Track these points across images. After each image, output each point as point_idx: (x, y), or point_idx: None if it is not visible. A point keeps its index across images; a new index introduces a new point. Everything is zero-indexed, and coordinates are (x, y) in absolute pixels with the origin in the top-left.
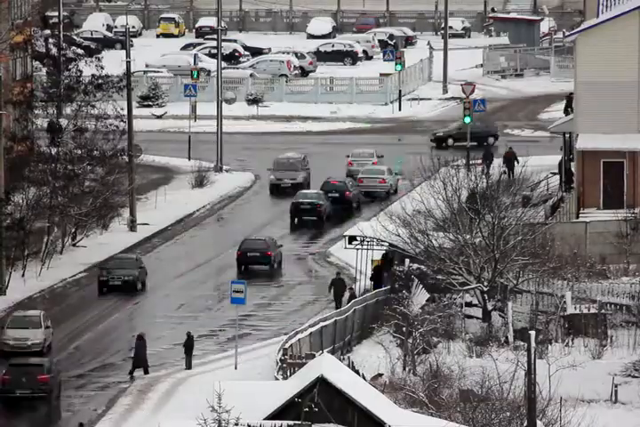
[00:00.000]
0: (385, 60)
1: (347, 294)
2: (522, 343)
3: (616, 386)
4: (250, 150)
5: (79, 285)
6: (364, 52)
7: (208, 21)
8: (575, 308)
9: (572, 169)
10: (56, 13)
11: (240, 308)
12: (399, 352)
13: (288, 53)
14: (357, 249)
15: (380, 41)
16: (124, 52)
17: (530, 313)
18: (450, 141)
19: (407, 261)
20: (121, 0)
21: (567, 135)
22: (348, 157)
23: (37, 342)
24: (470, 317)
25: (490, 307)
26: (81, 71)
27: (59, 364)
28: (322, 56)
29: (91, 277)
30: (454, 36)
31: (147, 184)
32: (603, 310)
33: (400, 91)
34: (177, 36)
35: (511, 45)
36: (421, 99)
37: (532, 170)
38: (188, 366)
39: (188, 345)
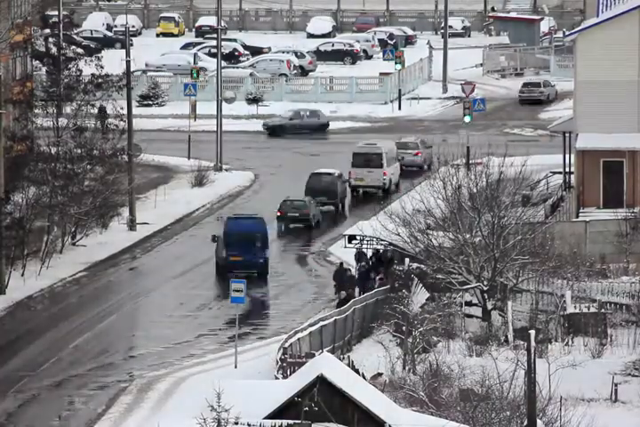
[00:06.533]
0: (385, 60)
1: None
2: (522, 343)
3: (616, 385)
4: (250, 150)
5: (79, 284)
6: (364, 51)
7: (208, 21)
8: (575, 307)
9: None
10: (56, 13)
11: (240, 307)
12: (399, 351)
13: (288, 53)
14: (357, 248)
15: (379, 40)
16: (123, 51)
17: (530, 312)
18: None
19: (407, 260)
20: None
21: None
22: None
23: None
24: (470, 316)
25: (490, 306)
26: (81, 70)
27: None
28: (322, 55)
29: (91, 276)
30: (454, 35)
31: (146, 183)
32: (603, 310)
33: (400, 90)
34: (177, 36)
35: (511, 45)
36: (421, 98)
37: (532, 169)
38: None
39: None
